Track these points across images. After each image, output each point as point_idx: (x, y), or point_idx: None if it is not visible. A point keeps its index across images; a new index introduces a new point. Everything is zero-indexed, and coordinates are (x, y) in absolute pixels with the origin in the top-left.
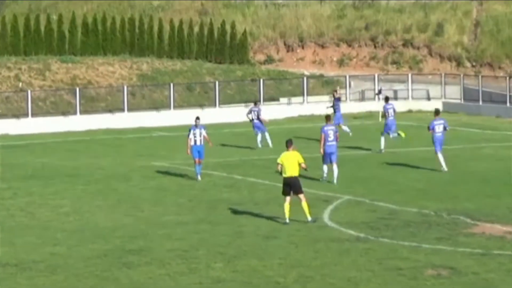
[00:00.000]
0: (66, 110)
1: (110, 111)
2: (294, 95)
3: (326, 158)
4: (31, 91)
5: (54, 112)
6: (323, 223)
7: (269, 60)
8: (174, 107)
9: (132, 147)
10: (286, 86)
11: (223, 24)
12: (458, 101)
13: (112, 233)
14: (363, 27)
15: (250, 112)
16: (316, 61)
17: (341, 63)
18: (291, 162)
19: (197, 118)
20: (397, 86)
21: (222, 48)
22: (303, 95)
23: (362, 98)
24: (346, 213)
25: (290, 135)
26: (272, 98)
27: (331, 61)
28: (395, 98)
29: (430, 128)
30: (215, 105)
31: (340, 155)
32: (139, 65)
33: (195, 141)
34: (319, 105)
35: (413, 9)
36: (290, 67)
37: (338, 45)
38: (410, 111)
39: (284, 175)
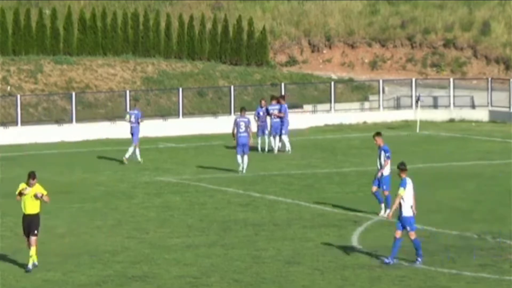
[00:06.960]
0: (60, 117)
1: (110, 119)
2: (320, 101)
3: (239, 148)
4: (20, 96)
5: (46, 119)
6: (352, 247)
7: (292, 61)
8: (183, 114)
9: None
10: (311, 91)
11: (239, 20)
12: (507, 109)
13: (113, 258)
14: (399, 24)
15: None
16: (345, 63)
17: (373, 65)
18: (32, 198)
19: None
20: (437, 92)
21: (238, 48)
22: (330, 101)
23: (398, 106)
24: (378, 235)
25: (315, 147)
26: (295, 105)
27: (362, 63)
28: (435, 106)
29: (269, 112)
30: (230, 113)
31: (370, 171)
32: (144, 67)
33: None
34: (348, 113)
35: (455, 5)
36: (316, 70)
37: (370, 45)
38: (452, 121)
39: (24, 212)
